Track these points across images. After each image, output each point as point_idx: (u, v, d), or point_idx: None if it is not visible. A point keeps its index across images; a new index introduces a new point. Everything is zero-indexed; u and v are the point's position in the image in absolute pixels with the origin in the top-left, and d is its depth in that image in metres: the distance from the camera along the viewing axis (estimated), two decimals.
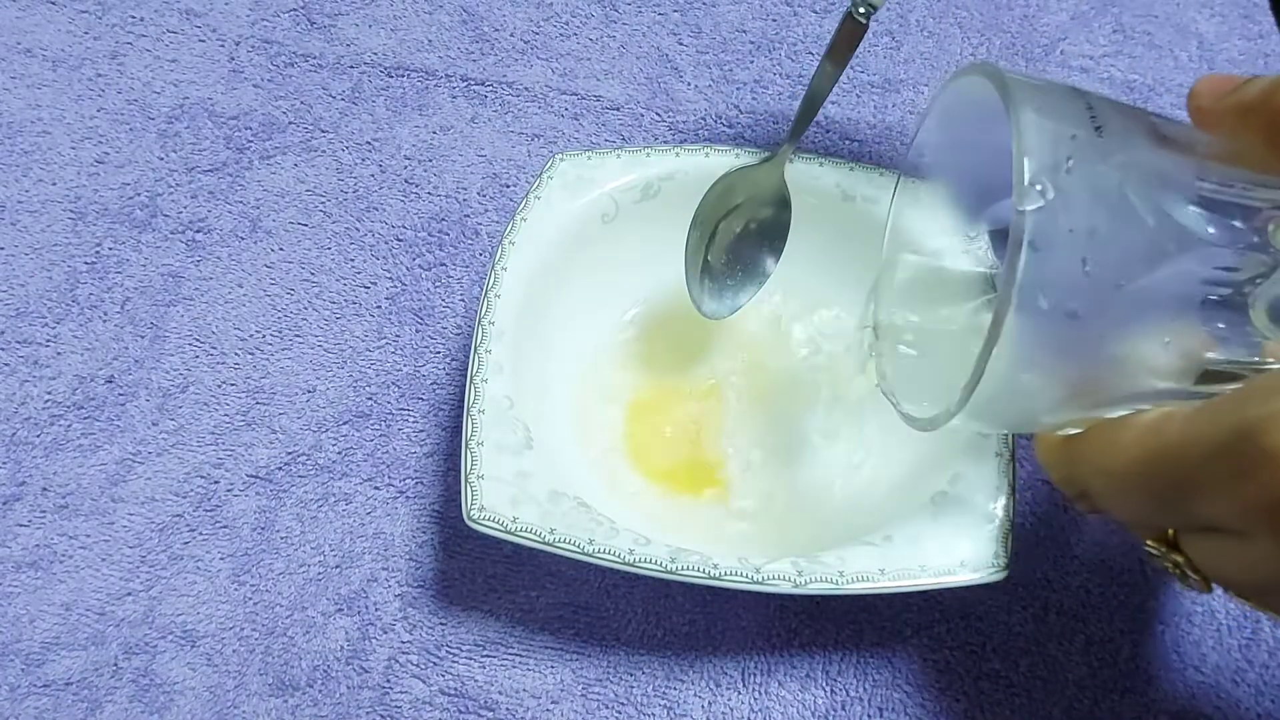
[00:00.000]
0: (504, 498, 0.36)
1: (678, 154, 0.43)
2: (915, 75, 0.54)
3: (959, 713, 0.40)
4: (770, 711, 0.40)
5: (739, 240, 0.43)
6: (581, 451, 0.42)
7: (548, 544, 0.35)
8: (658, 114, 0.52)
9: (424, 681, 0.40)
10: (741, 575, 0.35)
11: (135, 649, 0.41)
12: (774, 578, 0.35)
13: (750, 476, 0.42)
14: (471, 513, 0.36)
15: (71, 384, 0.46)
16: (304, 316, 0.47)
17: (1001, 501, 0.36)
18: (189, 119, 0.52)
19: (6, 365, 0.46)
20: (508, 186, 0.50)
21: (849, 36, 0.41)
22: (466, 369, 0.39)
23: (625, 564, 0.35)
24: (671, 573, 0.35)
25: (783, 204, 0.43)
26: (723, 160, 0.43)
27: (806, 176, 0.43)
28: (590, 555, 0.35)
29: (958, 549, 0.36)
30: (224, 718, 0.40)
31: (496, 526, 0.36)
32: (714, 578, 0.35)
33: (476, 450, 0.37)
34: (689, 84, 0.53)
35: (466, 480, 0.36)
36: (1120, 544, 0.43)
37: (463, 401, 0.38)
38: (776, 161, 0.42)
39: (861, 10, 0.40)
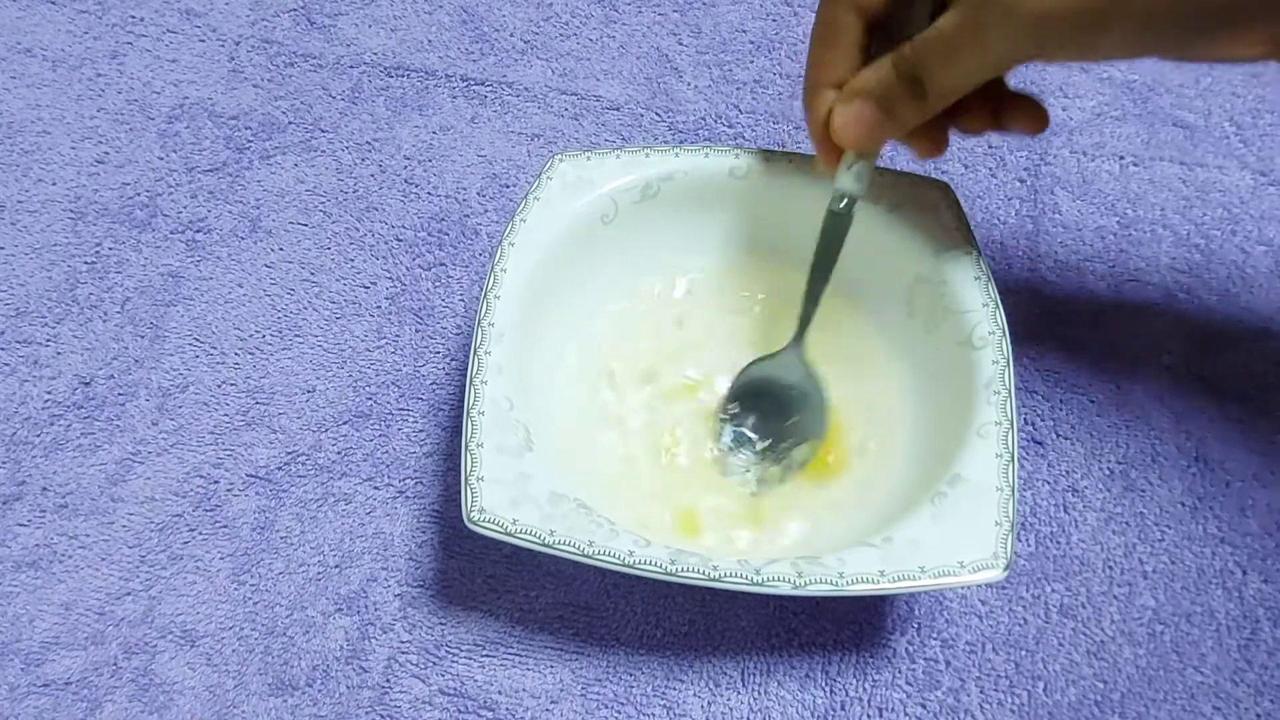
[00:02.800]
0: (504, 499, 0.36)
1: (677, 154, 0.43)
2: None
3: (959, 713, 0.40)
4: (769, 711, 0.40)
5: (779, 423, 0.43)
6: (582, 452, 0.42)
7: (547, 546, 0.35)
8: (658, 114, 0.52)
9: (423, 681, 0.40)
10: (741, 577, 0.35)
11: (135, 649, 0.41)
12: (774, 579, 0.35)
13: (750, 476, 0.42)
14: (471, 515, 0.36)
15: (71, 384, 0.46)
16: (304, 316, 0.47)
17: (1001, 502, 0.36)
18: (189, 119, 0.52)
19: (6, 365, 0.46)
20: (508, 186, 0.50)
21: (838, 229, 0.40)
22: (466, 369, 0.39)
23: (625, 565, 0.35)
24: (671, 574, 0.35)
25: (811, 385, 0.42)
26: (722, 160, 0.43)
27: (807, 177, 0.43)
28: (590, 557, 0.35)
29: (958, 550, 0.36)
30: (224, 717, 0.40)
31: (496, 528, 0.36)
32: (713, 579, 0.35)
33: (476, 452, 0.37)
34: (689, 84, 0.53)
35: (466, 482, 0.36)
36: (1120, 544, 0.43)
37: (462, 402, 0.38)
38: (792, 351, 0.42)
39: (843, 205, 0.39)
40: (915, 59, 0.35)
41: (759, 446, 0.43)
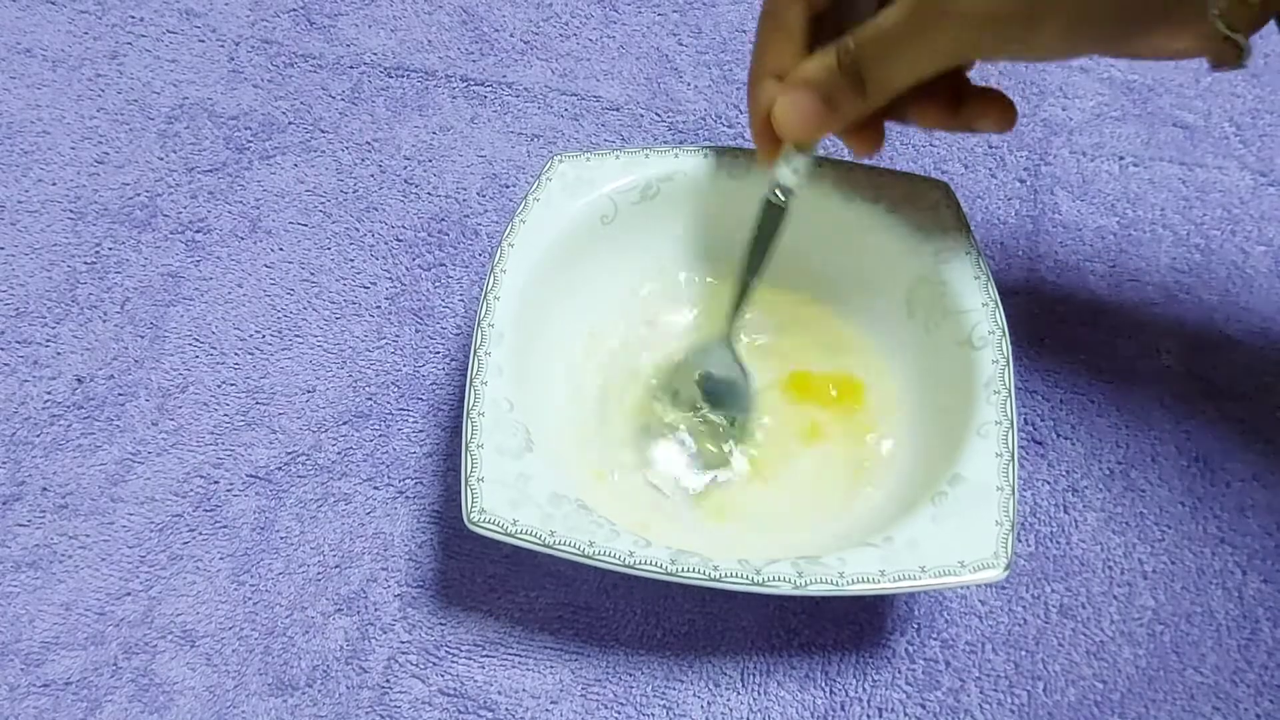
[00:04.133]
0: (504, 500, 0.36)
1: (676, 155, 0.43)
2: None
3: (959, 713, 0.40)
4: (769, 712, 0.40)
5: (709, 403, 0.43)
6: (582, 453, 0.42)
7: (548, 546, 0.35)
8: (658, 114, 0.52)
9: (423, 681, 0.40)
10: (742, 577, 0.35)
11: (135, 649, 0.41)
12: (774, 579, 0.35)
13: (750, 476, 0.42)
14: (472, 515, 0.36)
15: (71, 384, 0.46)
16: (304, 316, 0.47)
17: (1001, 502, 0.36)
18: (189, 119, 0.52)
19: (6, 365, 0.46)
20: (507, 187, 0.50)
21: (772, 222, 0.40)
22: (466, 370, 0.39)
23: (625, 566, 0.35)
24: (672, 575, 0.35)
25: (738, 375, 0.43)
26: (722, 160, 0.43)
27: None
28: (590, 557, 0.35)
29: (958, 549, 0.36)
30: (223, 718, 0.40)
31: (497, 529, 0.36)
32: (714, 579, 0.35)
33: (476, 453, 0.37)
34: (689, 84, 0.53)
35: (466, 483, 0.36)
36: (1120, 544, 0.43)
37: (462, 402, 0.38)
38: (723, 345, 0.43)
39: (780, 196, 0.39)
40: (857, 52, 0.34)
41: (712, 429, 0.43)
